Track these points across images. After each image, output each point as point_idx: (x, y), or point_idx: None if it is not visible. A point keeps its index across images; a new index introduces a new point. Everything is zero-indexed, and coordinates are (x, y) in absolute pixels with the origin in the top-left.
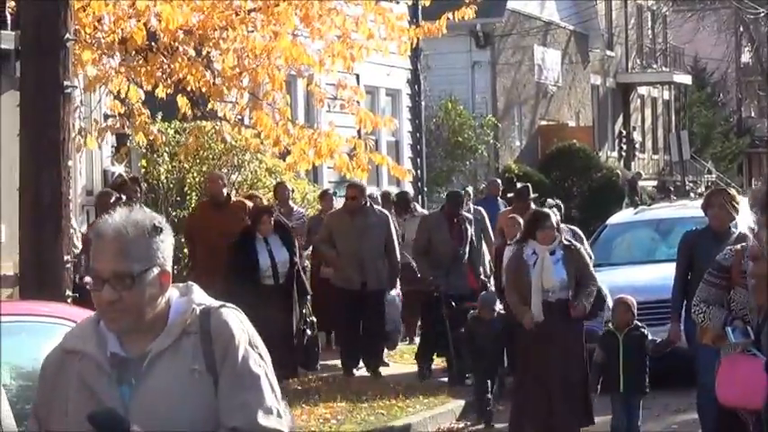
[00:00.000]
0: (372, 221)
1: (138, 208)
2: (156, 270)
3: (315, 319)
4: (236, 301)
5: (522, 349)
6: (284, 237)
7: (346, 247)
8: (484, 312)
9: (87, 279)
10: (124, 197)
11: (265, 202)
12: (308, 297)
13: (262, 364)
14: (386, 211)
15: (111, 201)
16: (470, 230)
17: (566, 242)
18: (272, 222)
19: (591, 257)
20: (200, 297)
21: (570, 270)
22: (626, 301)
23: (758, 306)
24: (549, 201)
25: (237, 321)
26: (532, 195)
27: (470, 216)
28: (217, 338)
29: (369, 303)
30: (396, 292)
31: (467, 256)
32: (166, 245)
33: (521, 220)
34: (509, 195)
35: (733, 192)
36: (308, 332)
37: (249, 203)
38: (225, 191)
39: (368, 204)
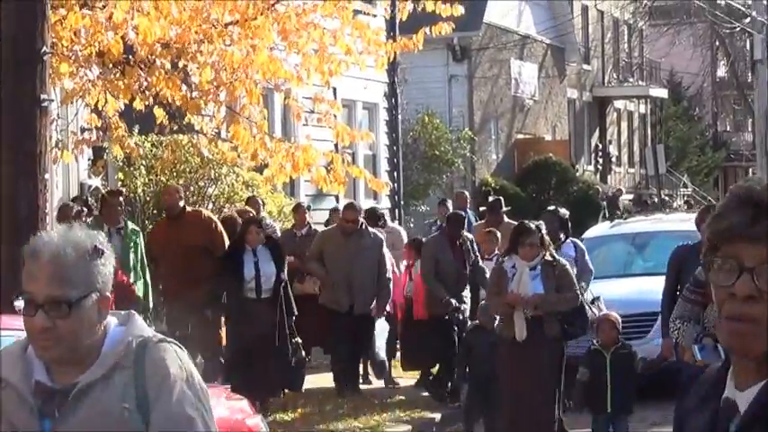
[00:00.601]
0: (366, 244)
1: (78, 226)
2: (94, 296)
3: (300, 340)
4: (218, 313)
5: (496, 363)
6: (274, 251)
7: (337, 269)
8: (484, 322)
9: (17, 303)
10: (86, 210)
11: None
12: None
13: (199, 407)
14: (380, 234)
15: (73, 214)
16: (472, 250)
17: (548, 258)
18: (262, 235)
19: (591, 271)
20: (140, 328)
21: (549, 286)
22: (611, 319)
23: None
24: (550, 208)
25: (175, 358)
26: (505, 208)
27: (470, 236)
28: (151, 375)
29: (357, 326)
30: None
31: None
32: (107, 268)
33: (498, 234)
34: (481, 209)
35: None
36: (296, 353)
37: (206, 213)
38: (181, 203)
39: (363, 226)
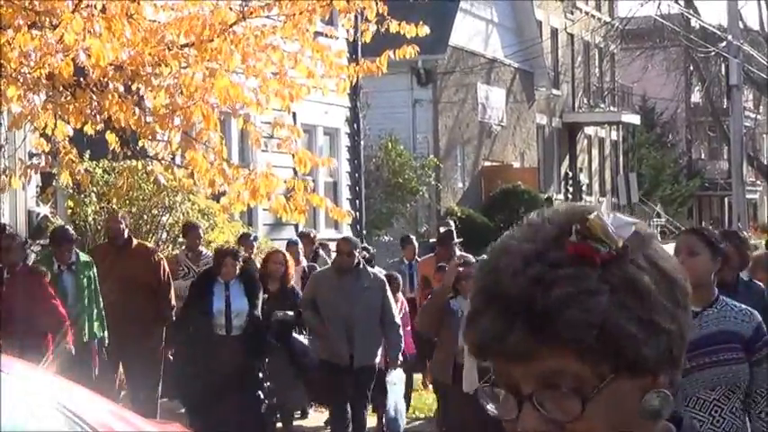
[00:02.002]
0: (365, 284)
1: None
2: None
3: (270, 384)
4: (184, 347)
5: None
6: (248, 285)
7: (333, 314)
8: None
9: None
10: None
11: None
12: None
13: None
14: (381, 275)
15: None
16: None
17: None
18: (237, 267)
19: None
20: None
21: None
22: None
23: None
24: None
25: None
26: (456, 240)
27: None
28: None
29: (359, 380)
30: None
31: None
32: None
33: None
34: (431, 241)
35: None
36: (265, 400)
37: (152, 248)
38: (126, 233)
39: (360, 264)
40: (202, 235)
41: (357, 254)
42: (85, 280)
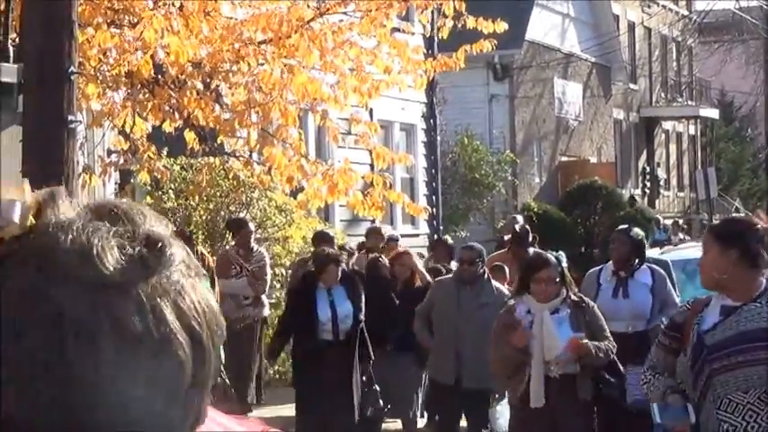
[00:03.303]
0: (482, 300)
1: None
2: None
3: (379, 388)
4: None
5: None
6: (350, 289)
7: (443, 329)
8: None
9: None
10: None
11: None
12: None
13: None
14: (505, 291)
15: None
16: None
17: (575, 298)
18: (339, 272)
19: (676, 304)
20: None
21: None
22: None
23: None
24: (622, 227)
25: None
26: (531, 237)
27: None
28: None
29: (465, 404)
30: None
31: None
32: None
33: (507, 270)
34: (505, 238)
35: None
36: (374, 403)
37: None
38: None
39: (485, 275)
40: (252, 230)
41: (481, 264)
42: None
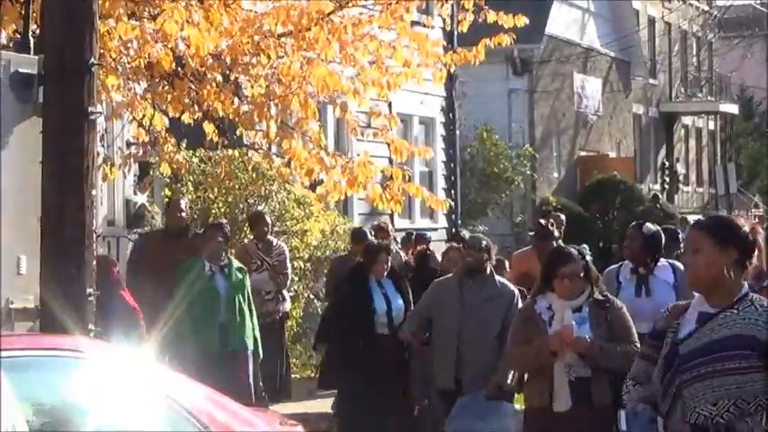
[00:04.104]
0: (485, 295)
1: None
2: None
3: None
4: (346, 348)
5: None
6: (397, 282)
7: (443, 329)
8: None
9: None
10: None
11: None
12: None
13: None
14: (511, 286)
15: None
16: None
17: (599, 297)
18: (389, 263)
19: None
20: None
21: (599, 335)
22: None
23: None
24: (637, 222)
25: None
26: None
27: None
28: None
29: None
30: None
31: None
32: None
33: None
34: (530, 234)
35: None
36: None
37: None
38: (185, 221)
39: (489, 270)
40: (270, 222)
41: (485, 257)
42: (239, 285)
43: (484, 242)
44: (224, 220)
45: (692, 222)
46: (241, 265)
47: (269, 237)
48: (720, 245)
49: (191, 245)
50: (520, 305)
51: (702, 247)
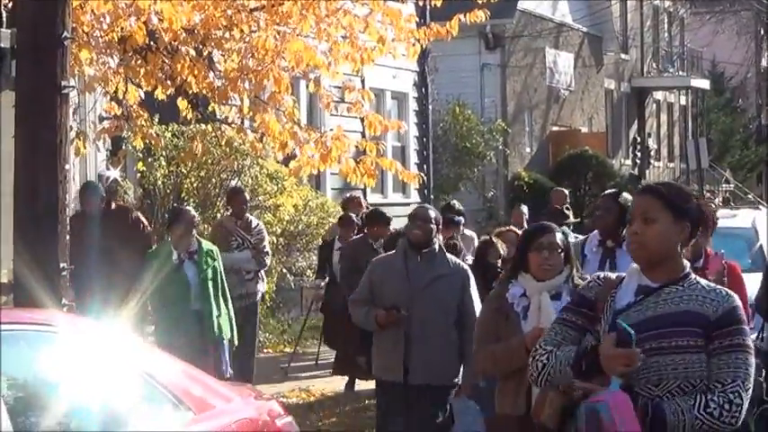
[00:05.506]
0: (437, 273)
1: None
2: None
3: None
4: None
5: None
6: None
7: (386, 308)
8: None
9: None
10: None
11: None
12: None
13: None
14: (464, 265)
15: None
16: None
17: (578, 281)
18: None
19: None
20: None
21: None
22: None
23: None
24: (609, 191)
25: None
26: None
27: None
28: None
29: (411, 405)
30: None
31: None
32: None
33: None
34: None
35: None
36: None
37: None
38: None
39: (437, 246)
40: (247, 199)
41: (434, 230)
42: (210, 271)
43: (433, 213)
44: (190, 207)
45: (641, 187)
46: (212, 248)
47: (247, 214)
48: (677, 218)
49: (116, 218)
50: (474, 287)
51: (658, 217)
